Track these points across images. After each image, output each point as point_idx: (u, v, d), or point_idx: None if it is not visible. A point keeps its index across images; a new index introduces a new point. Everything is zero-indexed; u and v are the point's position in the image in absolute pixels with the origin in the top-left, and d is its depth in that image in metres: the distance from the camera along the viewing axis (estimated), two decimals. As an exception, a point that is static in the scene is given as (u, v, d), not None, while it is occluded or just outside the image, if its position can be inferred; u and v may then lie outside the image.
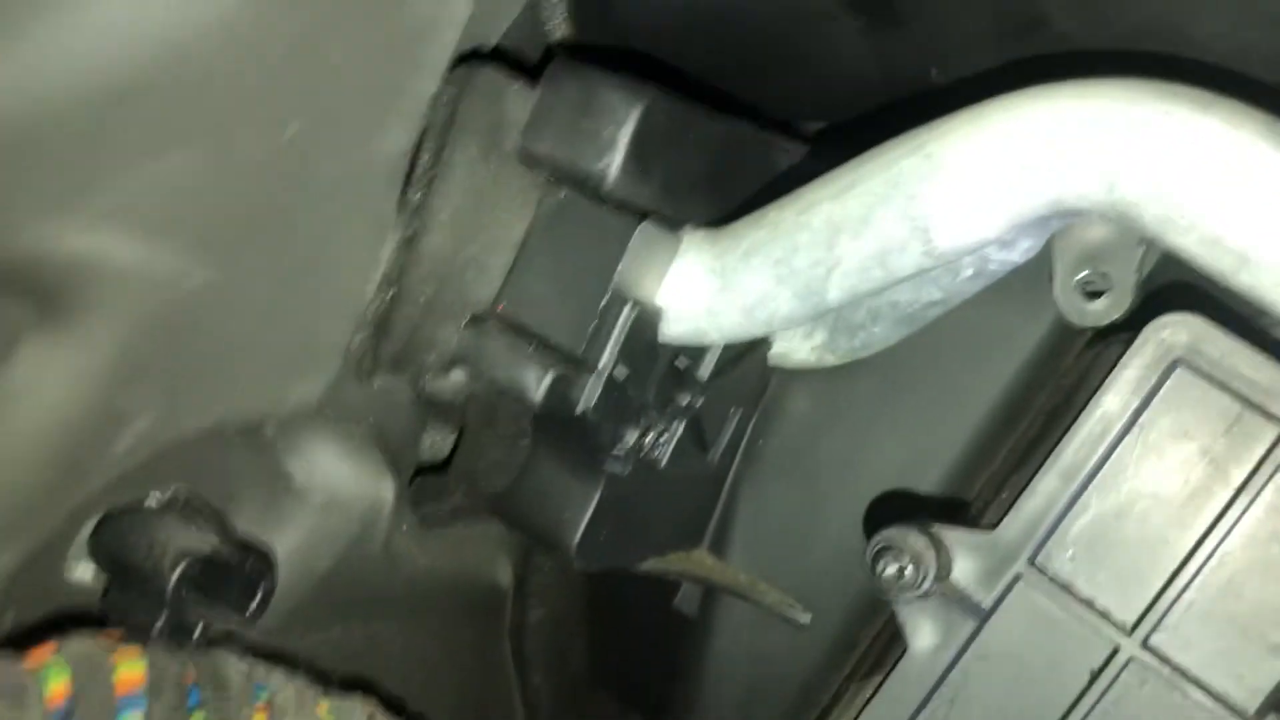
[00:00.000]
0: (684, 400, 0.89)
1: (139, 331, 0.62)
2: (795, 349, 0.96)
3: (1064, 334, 0.90)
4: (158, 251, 0.59)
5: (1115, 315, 0.85)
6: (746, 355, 0.95)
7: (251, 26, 0.55)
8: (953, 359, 0.96)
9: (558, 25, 0.87)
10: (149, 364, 0.64)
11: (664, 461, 0.90)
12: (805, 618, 1.01)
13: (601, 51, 0.82)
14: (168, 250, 0.60)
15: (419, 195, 0.74)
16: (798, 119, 0.95)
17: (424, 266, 0.75)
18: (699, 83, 0.88)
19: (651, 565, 1.01)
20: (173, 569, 0.73)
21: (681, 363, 0.87)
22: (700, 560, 1.06)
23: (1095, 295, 0.86)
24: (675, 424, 0.90)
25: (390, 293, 0.75)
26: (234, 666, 0.75)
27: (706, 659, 1.06)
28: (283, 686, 0.78)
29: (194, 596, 0.74)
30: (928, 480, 0.96)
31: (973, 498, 0.92)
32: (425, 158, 0.74)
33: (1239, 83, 0.71)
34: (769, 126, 0.87)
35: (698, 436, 0.94)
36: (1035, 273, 0.89)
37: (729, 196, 0.84)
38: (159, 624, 0.73)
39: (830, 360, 0.96)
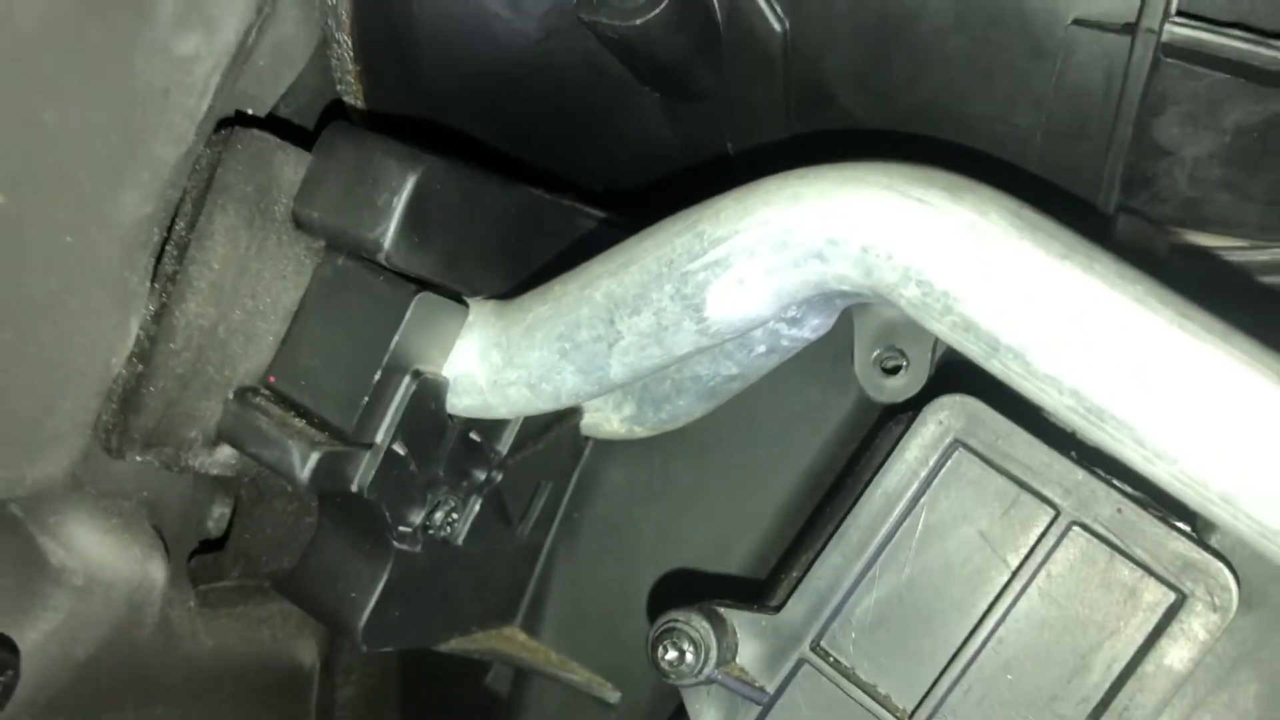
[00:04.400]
0: (480, 475, 0.86)
1: None
2: (605, 419, 0.95)
3: (868, 410, 0.90)
4: None
5: (913, 391, 0.86)
6: (554, 426, 0.93)
7: None
8: (763, 434, 0.96)
9: (351, 89, 0.83)
10: None
11: (460, 539, 0.87)
12: (614, 696, 0.99)
13: (391, 120, 0.79)
14: None
15: (173, 265, 0.70)
16: (598, 184, 0.93)
17: (179, 339, 0.70)
18: (496, 152, 0.86)
19: (456, 645, 0.97)
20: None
21: (476, 437, 0.84)
22: (511, 638, 1.02)
23: (893, 371, 0.87)
24: (471, 500, 0.86)
25: (140, 368, 0.70)
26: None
27: (517, 739, 1.03)
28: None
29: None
30: (738, 553, 0.95)
31: (769, 575, 0.91)
32: (180, 225, 0.70)
33: (1006, 169, 0.72)
34: (571, 195, 0.85)
35: (500, 511, 0.91)
36: (844, 350, 0.89)
37: (525, 265, 0.81)
38: None
39: (640, 432, 0.94)
